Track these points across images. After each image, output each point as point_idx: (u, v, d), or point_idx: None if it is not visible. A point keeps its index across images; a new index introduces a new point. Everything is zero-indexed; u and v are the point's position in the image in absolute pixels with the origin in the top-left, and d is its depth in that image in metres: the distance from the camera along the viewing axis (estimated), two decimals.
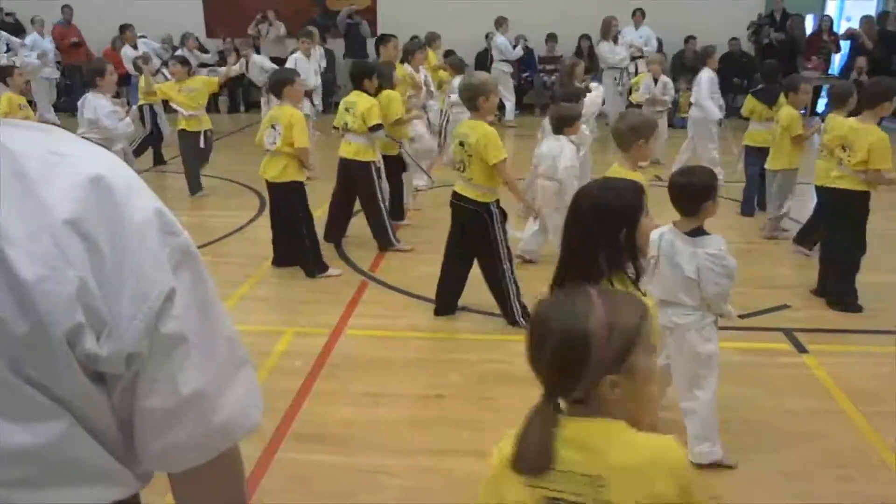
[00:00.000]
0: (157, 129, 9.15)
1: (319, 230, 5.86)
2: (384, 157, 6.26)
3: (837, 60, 12.88)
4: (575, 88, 6.53)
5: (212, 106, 9.97)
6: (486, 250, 4.55)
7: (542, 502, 1.39)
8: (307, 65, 8.95)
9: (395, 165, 6.59)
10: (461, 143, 4.47)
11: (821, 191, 5.60)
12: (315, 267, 5.51)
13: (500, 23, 12.03)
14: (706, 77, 8.09)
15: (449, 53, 9.99)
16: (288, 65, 8.67)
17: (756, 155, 6.85)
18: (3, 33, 12.16)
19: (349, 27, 13.06)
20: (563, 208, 5.18)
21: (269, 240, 5.83)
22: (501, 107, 12.27)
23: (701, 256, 2.96)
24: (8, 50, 11.82)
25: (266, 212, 7.14)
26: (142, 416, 1.00)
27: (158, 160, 9.41)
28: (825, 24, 12.62)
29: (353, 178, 6.00)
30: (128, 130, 6.44)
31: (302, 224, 5.45)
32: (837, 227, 4.94)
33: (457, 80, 8.52)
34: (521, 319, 4.47)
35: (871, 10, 13.16)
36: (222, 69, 9.24)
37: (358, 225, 6.35)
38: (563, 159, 5.32)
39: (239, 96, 13.75)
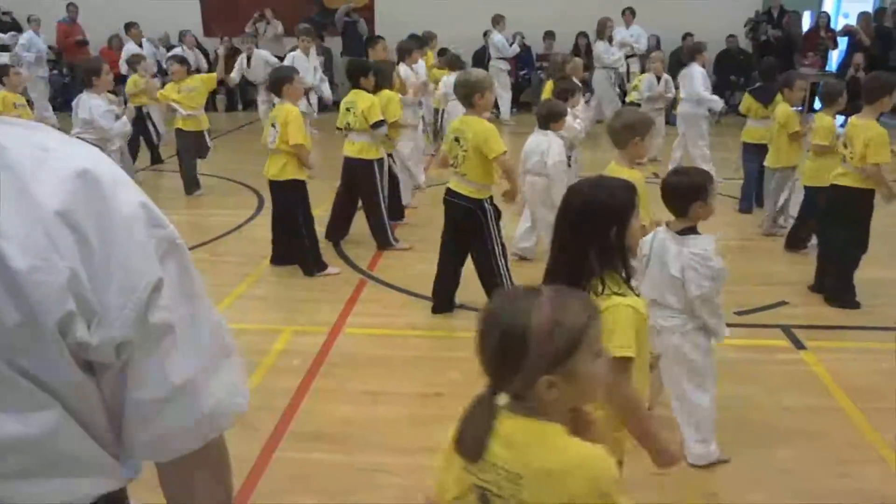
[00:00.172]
0: (145, 132, 9.10)
1: (320, 229, 5.86)
2: None
3: (835, 57, 12.89)
4: (569, 83, 6.53)
5: (209, 104, 9.95)
6: (480, 247, 4.55)
7: (471, 489, 1.42)
8: (306, 63, 8.94)
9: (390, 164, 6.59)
10: (456, 139, 4.46)
11: (810, 190, 5.64)
12: (314, 266, 5.51)
13: (498, 20, 12.03)
14: (700, 72, 8.09)
15: (443, 52, 9.98)
16: (286, 63, 8.66)
17: (754, 152, 6.87)
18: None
19: (347, 25, 13.05)
20: (551, 204, 5.23)
21: (267, 238, 5.82)
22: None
23: (685, 256, 2.93)
24: (4, 48, 11.81)
25: (264, 210, 7.18)
26: (131, 405, 1.01)
27: (155, 159, 9.40)
28: (822, 21, 12.62)
29: (355, 176, 6.01)
30: (124, 130, 6.42)
31: (302, 223, 5.45)
32: (839, 225, 4.93)
33: (451, 77, 8.57)
34: None
35: (868, 7, 13.17)
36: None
37: (356, 223, 6.34)
38: (551, 155, 5.32)
39: (237, 95, 13.73)
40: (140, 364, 0.99)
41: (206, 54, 13.29)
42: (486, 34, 12.52)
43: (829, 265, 5.05)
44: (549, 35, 13.16)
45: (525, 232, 5.80)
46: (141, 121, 8.69)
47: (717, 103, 8.12)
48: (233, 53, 13.28)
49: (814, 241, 5.81)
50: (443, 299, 4.83)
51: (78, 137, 5.72)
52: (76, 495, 1.02)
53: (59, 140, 1.00)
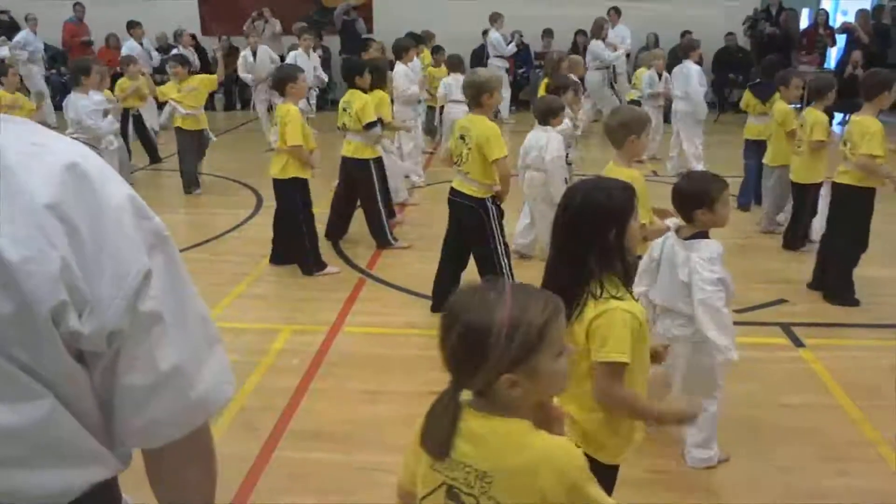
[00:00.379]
0: (142, 134, 9.10)
1: (320, 227, 5.85)
2: None
3: (834, 55, 12.89)
4: (561, 79, 6.53)
5: (208, 104, 9.96)
6: (482, 246, 4.54)
7: (441, 486, 1.42)
8: (308, 62, 8.93)
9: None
10: (461, 137, 4.46)
11: (799, 187, 5.66)
12: (313, 265, 5.51)
13: (495, 19, 12.01)
14: (696, 69, 8.09)
15: (437, 49, 9.96)
16: (289, 61, 8.64)
17: (753, 148, 6.92)
18: None
19: (345, 24, 13.03)
20: (550, 200, 5.23)
21: (266, 238, 5.82)
22: None
23: (693, 261, 2.88)
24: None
25: (262, 210, 7.18)
26: (122, 393, 1.04)
27: (154, 159, 9.39)
28: (821, 19, 12.62)
29: (353, 176, 6.01)
30: (112, 128, 6.38)
31: (302, 221, 5.45)
32: (839, 223, 4.94)
33: (450, 78, 8.60)
34: None
35: (867, 4, 13.17)
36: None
37: (355, 222, 6.34)
38: (549, 150, 5.33)
39: (235, 94, 13.72)
40: (130, 352, 1.02)
41: (204, 53, 13.28)
42: (485, 33, 12.51)
43: (829, 263, 5.06)
44: (548, 33, 13.15)
45: (524, 228, 5.81)
46: (126, 122, 8.68)
47: (702, 111, 8.14)
48: (230, 52, 13.34)
49: (812, 238, 5.84)
50: (443, 298, 4.79)
51: (72, 138, 5.67)
52: (68, 484, 1.04)
53: (47, 136, 1.02)
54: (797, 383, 3.97)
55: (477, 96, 4.40)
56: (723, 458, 3.25)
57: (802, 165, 5.66)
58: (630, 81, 10.67)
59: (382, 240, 6.08)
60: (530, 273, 4.85)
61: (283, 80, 5.37)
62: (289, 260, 5.66)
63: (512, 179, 4.63)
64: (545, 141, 5.37)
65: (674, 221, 3.17)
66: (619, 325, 1.96)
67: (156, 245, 1.05)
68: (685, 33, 12.08)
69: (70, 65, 6.79)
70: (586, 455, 1.87)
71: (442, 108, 9.03)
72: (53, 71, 13.41)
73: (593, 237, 2.02)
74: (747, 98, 7.11)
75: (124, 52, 11.04)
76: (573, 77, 7.43)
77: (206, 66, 13.04)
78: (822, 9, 13.11)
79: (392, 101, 7.61)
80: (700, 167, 7.50)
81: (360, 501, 3.02)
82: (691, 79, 8.04)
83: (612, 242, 2.02)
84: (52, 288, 0.92)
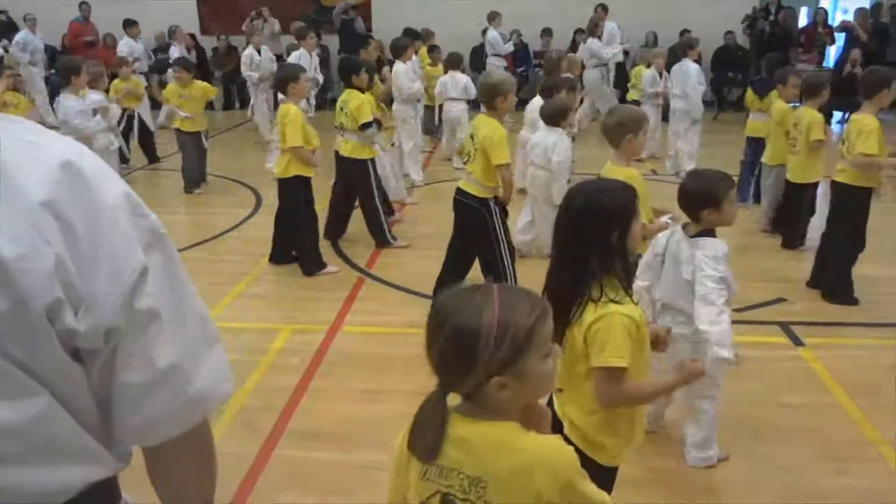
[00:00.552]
0: (142, 134, 9.09)
1: (321, 227, 5.84)
2: None
3: (832, 53, 12.89)
4: (556, 80, 6.52)
5: (207, 103, 9.97)
6: (486, 246, 4.53)
7: (436, 496, 1.41)
8: (310, 62, 8.91)
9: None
10: (472, 136, 4.46)
11: (794, 187, 5.70)
12: (314, 265, 5.50)
13: (493, 17, 12.00)
14: (695, 68, 8.11)
15: (434, 49, 9.96)
16: (292, 61, 8.61)
17: (752, 145, 6.98)
18: None
19: (344, 23, 13.01)
20: (550, 199, 5.24)
21: (265, 237, 5.82)
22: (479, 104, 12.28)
23: (698, 258, 2.87)
24: None
25: (262, 209, 7.18)
26: (120, 390, 1.04)
27: (152, 159, 9.38)
28: (820, 17, 12.62)
29: (350, 175, 6.01)
30: (99, 128, 6.36)
31: (303, 220, 5.45)
32: (837, 222, 4.95)
33: (447, 76, 8.61)
34: None
35: (866, 3, 13.17)
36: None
37: (354, 221, 6.34)
38: (556, 152, 5.33)
39: (234, 93, 13.71)
40: (127, 350, 1.02)
41: (202, 52, 13.27)
42: (484, 32, 12.50)
43: (828, 261, 5.06)
44: (547, 32, 13.15)
45: (525, 225, 5.81)
46: (128, 122, 8.67)
47: (698, 110, 8.17)
48: (229, 51, 13.33)
49: (810, 236, 5.86)
50: None
51: None
52: (65, 482, 1.04)
53: (43, 134, 1.03)
54: (797, 382, 3.97)
55: (491, 99, 4.38)
56: (722, 458, 3.25)
57: (799, 165, 5.67)
58: (628, 81, 10.67)
59: (381, 239, 6.08)
60: (532, 273, 4.84)
61: (285, 79, 5.37)
62: (288, 259, 5.66)
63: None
64: (552, 142, 5.37)
65: (668, 219, 3.17)
66: (617, 329, 1.95)
67: (152, 243, 1.05)
68: (684, 32, 12.11)
69: (59, 65, 6.73)
70: (586, 457, 1.87)
71: (441, 106, 9.04)
72: (53, 71, 13.38)
73: (595, 239, 2.01)
74: (748, 95, 7.21)
75: (120, 50, 11.03)
76: (569, 76, 7.44)
77: (205, 66, 13.05)
78: (821, 7, 13.11)
79: (391, 100, 7.64)
80: (691, 166, 7.50)
81: (360, 500, 3.02)
82: (690, 77, 8.05)
83: (615, 244, 2.01)
84: (47, 285, 0.92)
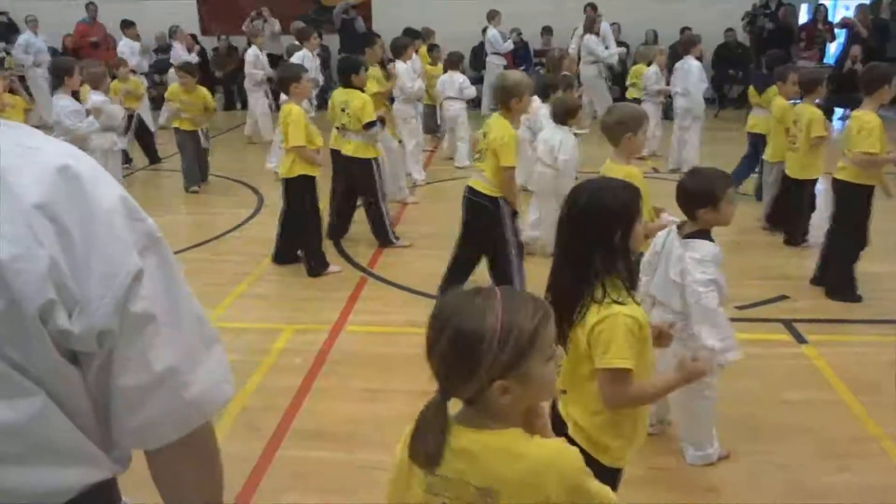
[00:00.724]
0: (141, 135, 9.09)
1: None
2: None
3: (833, 50, 12.88)
4: (552, 78, 6.53)
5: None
6: (494, 244, 4.51)
7: None
8: (313, 62, 8.92)
9: None
10: (484, 135, 4.46)
11: (794, 183, 5.73)
12: (320, 266, 5.51)
13: (493, 16, 11.99)
14: (696, 65, 8.11)
15: (433, 48, 9.96)
16: (296, 61, 8.62)
17: (752, 140, 7.08)
18: None
19: (344, 23, 13.00)
20: (558, 197, 5.23)
21: (267, 237, 5.83)
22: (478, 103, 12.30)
23: (685, 261, 2.87)
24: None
25: (263, 209, 7.18)
26: (116, 394, 1.04)
27: (153, 159, 9.38)
28: (820, 14, 12.61)
29: (354, 175, 6.00)
30: (92, 129, 6.36)
31: (308, 220, 5.45)
32: (839, 219, 4.94)
33: (447, 76, 8.62)
34: None
35: None
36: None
37: (356, 221, 6.34)
38: (563, 150, 5.33)
39: (235, 93, 13.71)
40: (123, 353, 1.02)
41: (203, 52, 13.27)
42: (485, 31, 12.50)
43: (831, 259, 5.05)
44: (547, 31, 13.14)
45: (535, 221, 5.81)
46: (128, 121, 8.67)
47: (699, 108, 8.18)
48: (229, 52, 13.34)
49: (812, 233, 5.86)
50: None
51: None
52: (62, 484, 1.05)
53: (40, 138, 1.04)
54: (799, 380, 3.97)
55: (506, 100, 4.36)
56: (723, 455, 3.25)
57: (798, 161, 5.68)
58: (625, 79, 10.64)
59: (384, 238, 6.08)
60: (537, 270, 4.84)
61: (288, 79, 5.36)
62: (292, 260, 5.66)
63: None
64: (558, 141, 5.37)
65: (667, 217, 3.17)
66: (621, 330, 1.94)
67: (148, 246, 1.05)
68: (684, 29, 12.10)
69: (51, 65, 6.72)
70: (590, 458, 1.87)
71: (433, 105, 9.06)
72: None
73: (598, 238, 2.00)
74: (750, 91, 7.30)
75: (121, 51, 11.04)
76: (567, 73, 7.46)
77: (206, 66, 13.06)
78: (821, 4, 13.09)
79: (392, 98, 7.64)
80: (693, 164, 7.52)
81: (363, 500, 3.02)
82: (692, 75, 8.05)
83: (617, 244, 2.00)
84: (41, 286, 0.93)
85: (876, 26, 11.98)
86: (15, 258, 0.92)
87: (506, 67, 12.32)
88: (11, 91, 7.62)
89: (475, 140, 4.77)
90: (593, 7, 11.39)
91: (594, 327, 1.97)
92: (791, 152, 5.76)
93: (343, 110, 5.86)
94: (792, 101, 6.08)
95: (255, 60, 10.22)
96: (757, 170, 7.17)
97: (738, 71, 12.45)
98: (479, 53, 12.78)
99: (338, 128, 6.00)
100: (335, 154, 6.04)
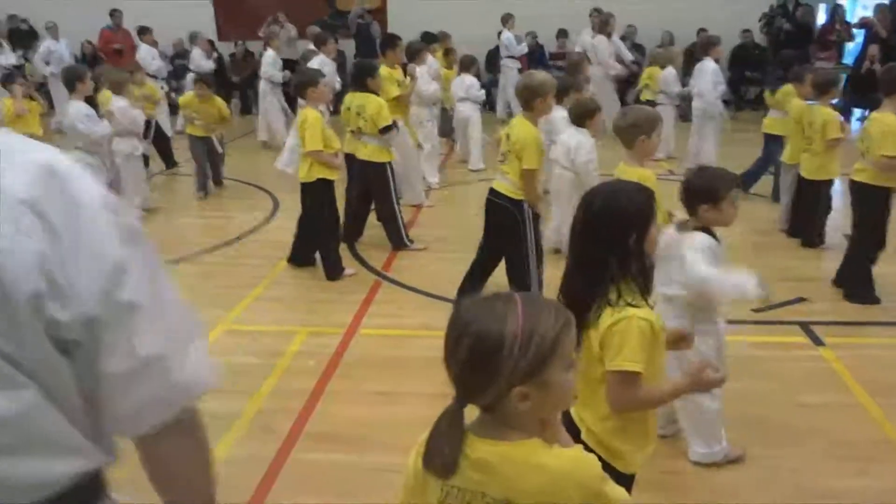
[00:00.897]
0: (157, 140, 9.17)
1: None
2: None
3: (852, 50, 12.75)
4: (570, 80, 6.51)
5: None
6: (514, 248, 4.48)
7: None
8: (331, 67, 8.97)
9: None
10: (507, 135, 4.44)
11: (810, 184, 5.69)
12: (338, 270, 5.52)
13: (507, 19, 12.00)
14: (711, 67, 8.08)
15: (449, 52, 9.97)
16: (315, 66, 8.67)
17: (767, 141, 7.09)
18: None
19: (360, 27, 13.07)
20: (576, 199, 5.20)
21: (282, 240, 5.86)
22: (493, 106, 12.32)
23: (682, 252, 2.88)
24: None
25: (279, 213, 7.22)
26: (104, 380, 1.08)
27: (170, 164, 9.45)
28: (838, 14, 12.50)
29: (369, 179, 6.02)
30: (105, 133, 6.41)
31: (326, 223, 5.46)
32: (857, 220, 4.89)
33: (460, 79, 8.63)
34: None
35: None
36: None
37: (370, 224, 6.36)
38: (579, 153, 5.31)
39: (251, 99, 13.78)
40: (110, 340, 1.06)
41: (220, 58, 13.36)
42: (500, 34, 12.50)
43: (849, 260, 5.00)
44: (562, 33, 13.12)
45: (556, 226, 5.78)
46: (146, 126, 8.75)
47: (713, 108, 8.15)
48: (245, 56, 13.43)
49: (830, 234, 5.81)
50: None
51: (76, 148, 5.65)
52: (51, 475, 1.08)
53: (23, 140, 1.09)
54: (817, 382, 3.93)
55: (530, 99, 4.33)
56: (737, 457, 3.22)
57: (813, 162, 5.63)
58: (635, 83, 10.60)
59: (398, 241, 6.09)
60: (553, 273, 4.83)
61: (305, 84, 5.38)
62: (309, 262, 5.69)
63: None
64: (575, 143, 5.36)
65: (679, 218, 3.16)
66: (635, 333, 1.93)
67: (131, 239, 1.10)
68: (700, 31, 12.05)
69: (63, 72, 6.81)
70: (605, 464, 1.85)
71: (451, 108, 9.06)
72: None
73: (613, 241, 1.98)
74: (766, 92, 7.29)
75: (143, 57, 11.15)
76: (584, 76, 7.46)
77: (223, 72, 13.16)
78: (839, 4, 12.98)
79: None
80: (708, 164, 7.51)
81: (376, 503, 3.03)
82: (705, 76, 8.02)
83: (632, 247, 1.99)
84: (29, 278, 0.97)
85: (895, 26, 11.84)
86: (3, 252, 0.96)
87: (520, 70, 12.34)
88: (30, 98, 7.71)
89: (484, 141, 4.76)
90: (598, 12, 11.38)
91: (608, 329, 1.96)
92: (806, 153, 5.71)
93: (358, 114, 5.88)
94: (810, 103, 6.04)
95: (274, 63, 10.32)
96: (771, 170, 7.14)
97: (755, 72, 12.36)
98: (494, 57, 12.79)
99: (353, 131, 6.02)
100: (350, 158, 6.06)
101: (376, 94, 5.95)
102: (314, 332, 4.65)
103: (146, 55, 11.31)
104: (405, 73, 7.27)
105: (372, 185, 6.04)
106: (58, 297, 1.00)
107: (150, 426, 1.14)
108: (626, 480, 2.08)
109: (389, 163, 5.98)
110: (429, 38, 9.12)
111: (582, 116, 5.46)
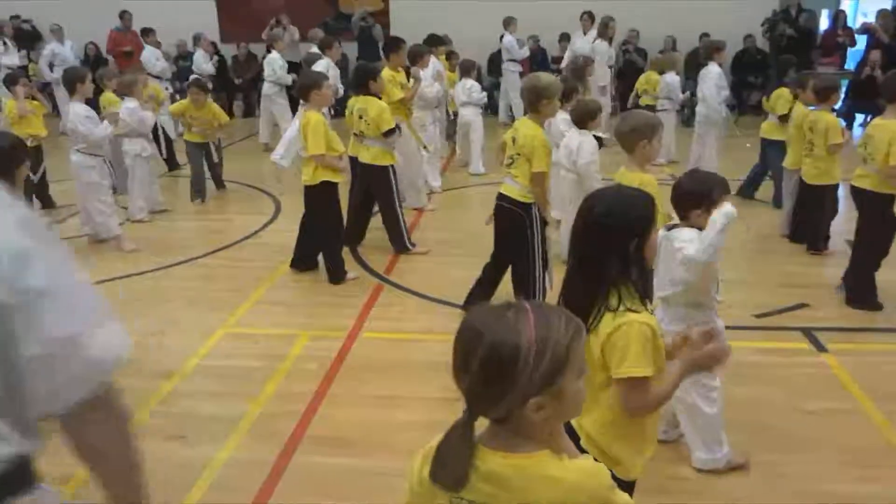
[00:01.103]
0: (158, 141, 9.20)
1: None
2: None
3: (854, 56, 12.76)
4: (572, 83, 6.51)
5: (227, 111, 10.06)
6: (520, 252, 4.45)
7: None
8: (335, 71, 8.98)
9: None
10: (513, 140, 4.41)
11: (811, 189, 5.69)
12: (342, 273, 5.52)
13: (509, 22, 12.00)
14: (716, 71, 8.09)
15: (450, 56, 9.98)
16: (320, 70, 8.69)
17: (763, 146, 7.12)
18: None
19: (362, 30, 13.09)
20: (578, 201, 5.18)
21: (284, 244, 5.86)
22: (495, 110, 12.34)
23: (675, 246, 2.88)
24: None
25: (281, 215, 7.21)
26: (22, 363, 1.14)
27: (172, 166, 9.46)
28: (840, 19, 12.51)
29: (371, 182, 6.02)
30: (105, 134, 6.41)
31: (330, 227, 5.46)
32: (859, 226, 4.88)
33: (461, 83, 8.63)
34: None
35: (887, 4, 13.02)
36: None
37: (372, 227, 6.36)
38: (581, 154, 5.30)
39: (254, 100, 13.80)
40: (23, 325, 1.12)
41: (223, 60, 13.37)
42: (502, 37, 12.52)
43: (852, 266, 4.99)
44: (565, 37, 13.12)
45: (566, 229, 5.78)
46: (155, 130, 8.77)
47: (716, 113, 8.16)
48: (248, 59, 13.44)
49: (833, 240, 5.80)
50: (475, 303, 4.73)
51: (77, 150, 5.68)
52: None
53: None
54: (819, 388, 3.93)
55: (535, 101, 4.30)
56: (740, 463, 3.22)
57: (814, 167, 5.63)
58: (632, 88, 10.60)
59: (400, 244, 6.09)
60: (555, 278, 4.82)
61: (308, 86, 5.37)
62: (311, 266, 5.68)
63: None
64: (577, 144, 5.35)
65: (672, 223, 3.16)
66: (637, 338, 1.93)
67: (28, 226, 1.16)
68: (703, 36, 12.06)
69: (63, 74, 6.82)
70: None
71: (456, 112, 9.07)
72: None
73: (613, 246, 1.98)
74: (764, 97, 7.31)
75: (147, 58, 11.17)
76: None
77: (225, 74, 13.17)
78: (841, 10, 12.99)
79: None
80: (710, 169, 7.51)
81: None
82: (709, 80, 8.03)
83: (632, 252, 1.98)
84: None
85: None
86: None
87: (521, 74, 12.36)
88: (32, 98, 7.72)
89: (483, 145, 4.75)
90: (590, 16, 11.40)
91: (609, 336, 1.95)
92: (808, 158, 5.71)
93: (360, 117, 5.88)
94: (812, 108, 6.04)
95: (280, 64, 10.35)
96: (769, 175, 7.15)
97: (758, 77, 12.37)
98: (496, 60, 12.80)
99: (356, 134, 6.02)
100: (352, 161, 6.06)
101: (378, 97, 5.95)
102: (316, 336, 4.64)
103: (150, 56, 11.32)
104: (408, 76, 7.27)
105: (375, 188, 6.04)
106: None
107: (71, 404, 1.19)
108: (626, 487, 2.07)
109: (392, 166, 5.98)
110: (435, 41, 9.11)
111: (583, 117, 5.46)
